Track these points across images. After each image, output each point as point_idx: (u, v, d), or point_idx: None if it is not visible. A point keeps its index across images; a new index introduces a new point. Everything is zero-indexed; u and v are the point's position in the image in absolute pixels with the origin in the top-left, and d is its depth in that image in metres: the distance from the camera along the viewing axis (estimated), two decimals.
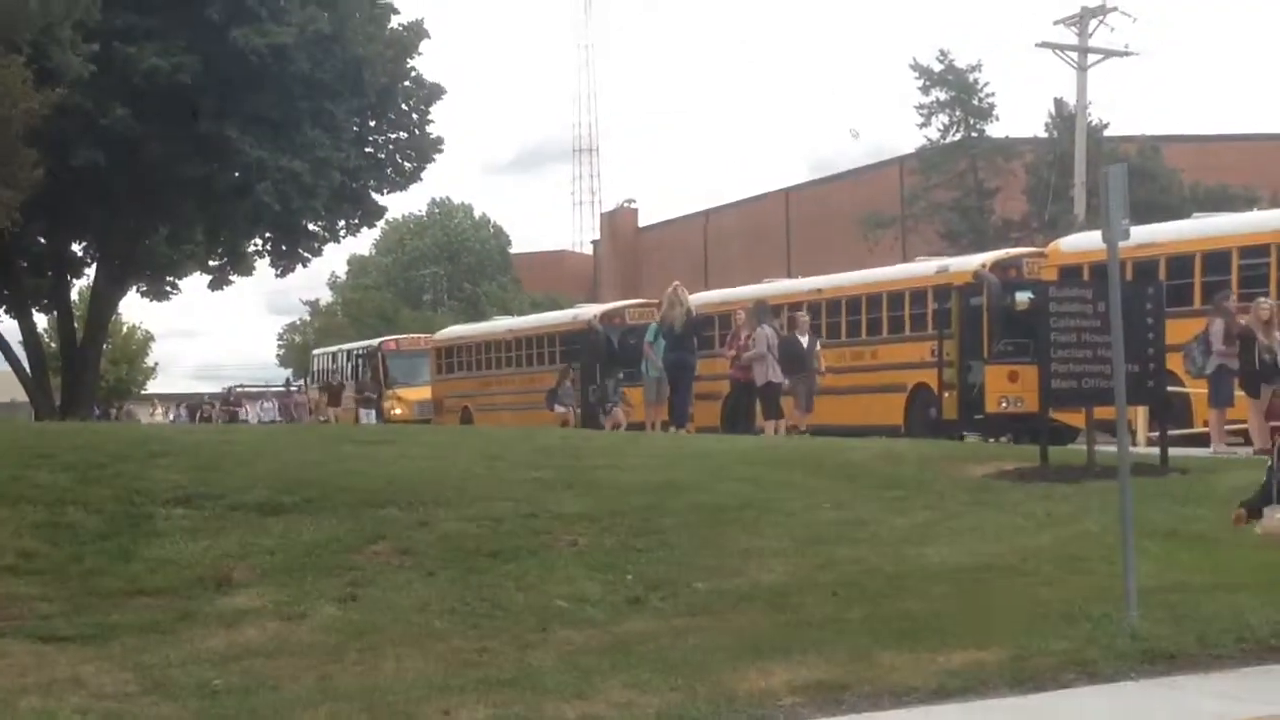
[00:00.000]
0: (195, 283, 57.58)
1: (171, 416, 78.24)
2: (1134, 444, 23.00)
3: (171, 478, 17.70)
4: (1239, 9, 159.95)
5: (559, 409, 40.22)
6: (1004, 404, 31.52)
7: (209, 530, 15.56)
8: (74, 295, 57.48)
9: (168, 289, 56.25)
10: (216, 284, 53.54)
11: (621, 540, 15.34)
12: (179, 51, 38.46)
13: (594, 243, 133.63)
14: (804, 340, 31.03)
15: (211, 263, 52.98)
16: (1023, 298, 30.57)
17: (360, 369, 63.97)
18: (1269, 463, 10.72)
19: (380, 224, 62.68)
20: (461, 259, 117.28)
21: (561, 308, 64.18)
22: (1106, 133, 65.87)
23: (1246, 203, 51.51)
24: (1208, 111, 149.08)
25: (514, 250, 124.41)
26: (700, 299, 41.13)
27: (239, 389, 71.53)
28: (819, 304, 36.67)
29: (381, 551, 14.91)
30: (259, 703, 10.29)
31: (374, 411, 50.60)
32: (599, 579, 13.91)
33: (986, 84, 69.08)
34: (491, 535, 15.49)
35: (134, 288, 54.29)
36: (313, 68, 39.43)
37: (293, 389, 75.80)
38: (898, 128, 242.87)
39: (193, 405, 75.62)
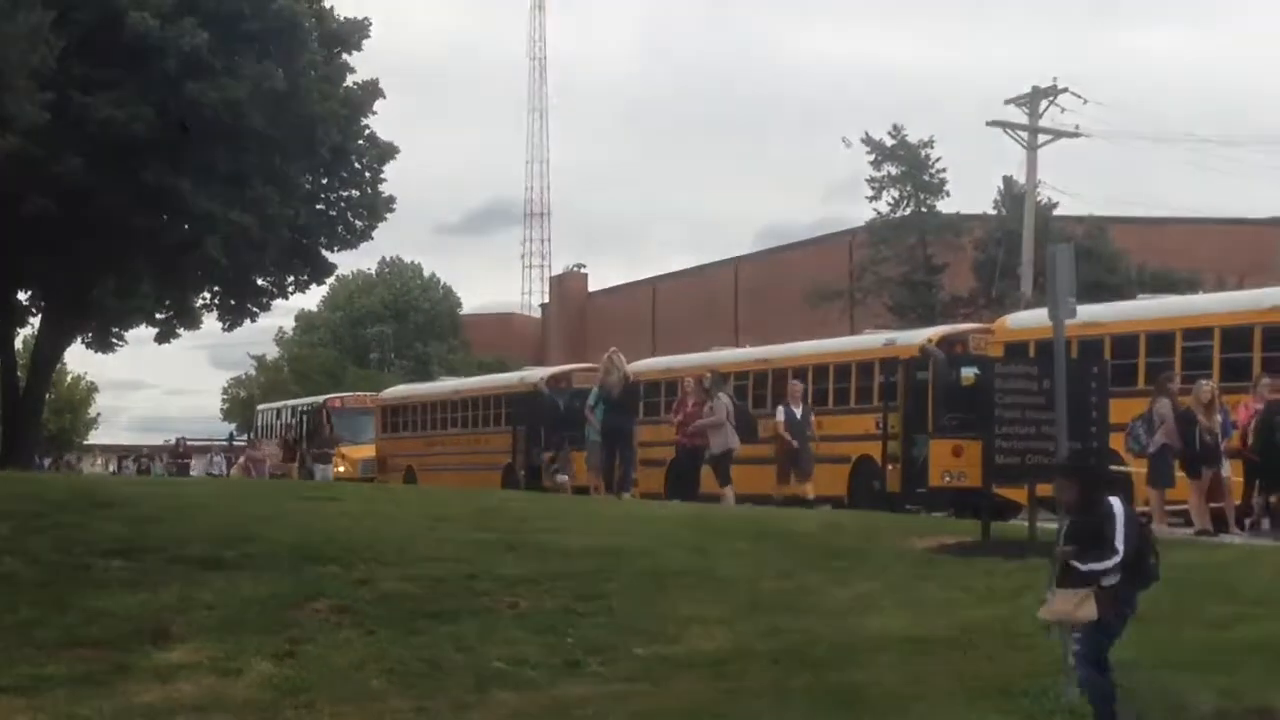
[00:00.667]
0: (141, 335, 57.01)
1: (112, 469, 77.64)
2: None
3: (112, 529, 17.59)
4: (1187, 94, 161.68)
5: (561, 478, 38.06)
6: (947, 478, 31.52)
7: (148, 583, 15.45)
8: (18, 343, 57.03)
9: (113, 340, 55.93)
10: (163, 337, 53.24)
11: (563, 603, 15.29)
12: (134, 102, 38.38)
13: (542, 306, 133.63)
14: (798, 410, 31.48)
15: (158, 315, 52.69)
16: (968, 373, 30.60)
17: (305, 425, 63.72)
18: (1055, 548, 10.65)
19: (329, 281, 62.57)
20: (410, 318, 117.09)
21: (509, 370, 64.12)
22: (1055, 212, 66.28)
23: (1190, 285, 51.92)
24: (1154, 194, 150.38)
25: (463, 311, 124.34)
26: (645, 365, 41.15)
27: (187, 442, 70.89)
28: (765, 374, 36.71)
29: (321, 609, 14.82)
30: None
31: (329, 467, 50.04)
32: (538, 642, 13.85)
33: (938, 160, 69.50)
34: (432, 595, 15.42)
35: (79, 338, 53.96)
36: (266, 124, 39.40)
37: (237, 442, 75.33)
38: (849, 201, 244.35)
39: (133, 457, 75.04)
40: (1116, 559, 10.26)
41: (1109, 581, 10.37)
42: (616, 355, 31.68)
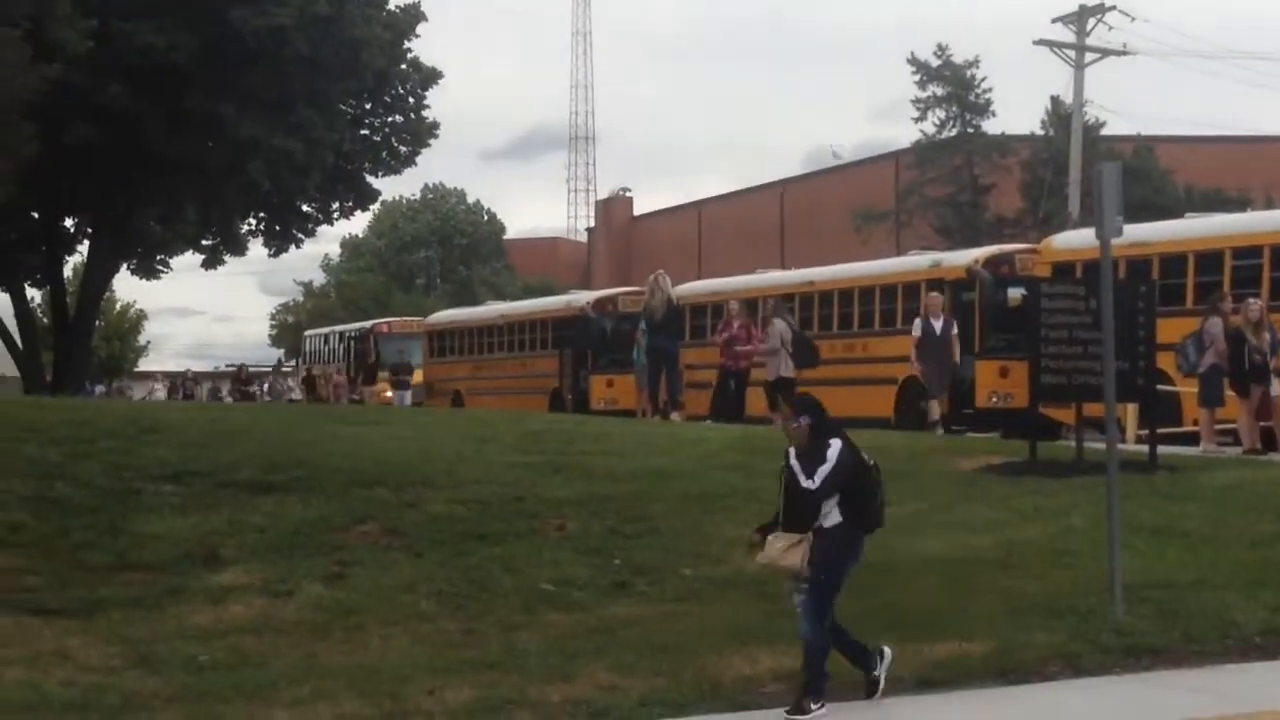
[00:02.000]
0: (188, 261, 57.13)
1: (161, 394, 77.95)
2: (1123, 441, 23.02)
3: (161, 454, 17.72)
4: (1238, 10, 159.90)
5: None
6: (994, 399, 31.48)
7: (198, 507, 15.59)
8: (67, 271, 57.30)
9: (159, 267, 56.16)
10: (209, 263, 53.40)
11: (609, 526, 15.36)
12: (176, 29, 38.36)
13: (588, 230, 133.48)
14: (938, 324, 29.45)
15: (204, 241, 52.85)
16: (1015, 293, 30.53)
17: (353, 351, 63.94)
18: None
19: (374, 207, 62.63)
20: (454, 243, 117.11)
21: (555, 294, 64.11)
22: (1102, 132, 65.86)
23: (1239, 204, 51.56)
24: (1202, 113, 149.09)
25: (508, 237, 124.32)
26: (690, 288, 41.11)
27: (250, 368, 70.82)
28: (811, 296, 36.64)
29: (370, 532, 14.93)
30: (244, 679, 10.32)
31: (407, 393, 49.77)
32: (586, 563, 13.93)
33: (983, 80, 69.16)
34: (479, 518, 15.51)
35: (126, 265, 54.19)
36: (310, 49, 39.34)
37: (285, 368, 75.65)
38: (895, 122, 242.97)
39: (177, 381, 75.11)
40: (811, 487, 10.22)
41: (830, 523, 10.33)
42: (662, 277, 31.64)
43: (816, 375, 31.41)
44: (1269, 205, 51.50)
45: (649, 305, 30.89)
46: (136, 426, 19.61)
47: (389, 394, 49.82)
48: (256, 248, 51.60)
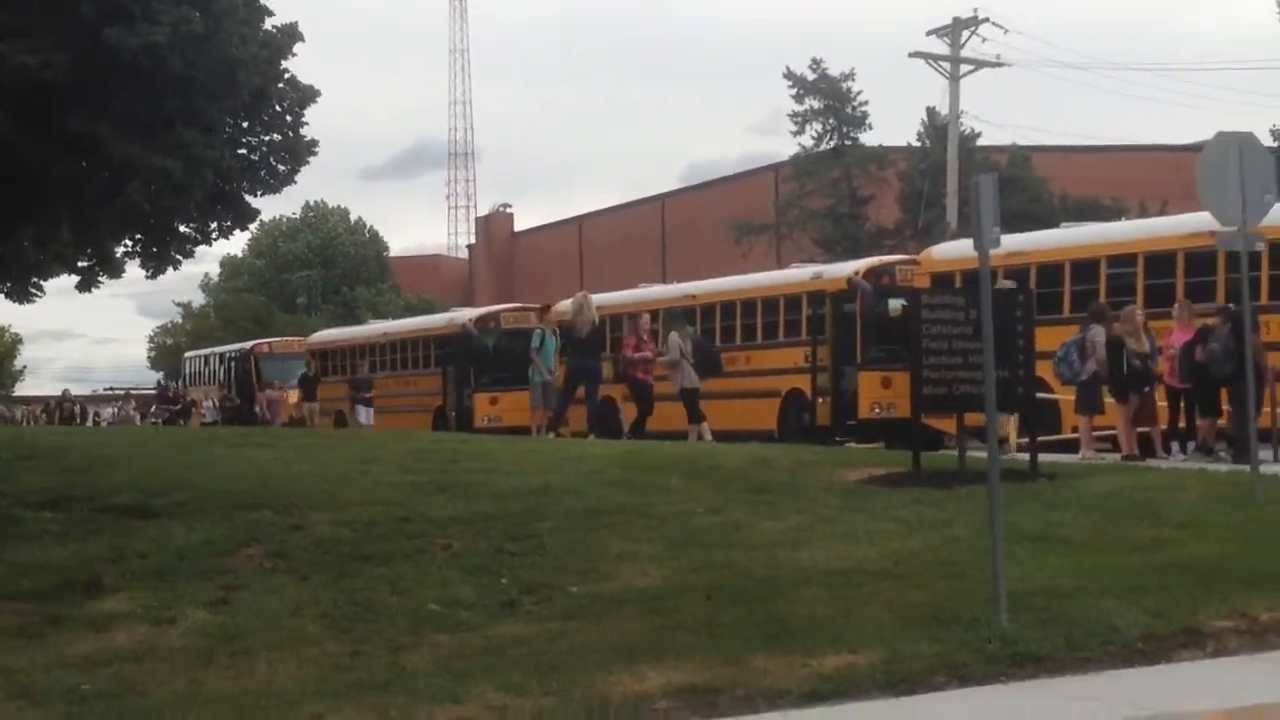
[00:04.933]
0: (64, 284, 56.35)
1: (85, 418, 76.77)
2: (1005, 450, 23.24)
3: (39, 480, 17.49)
4: (1109, 23, 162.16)
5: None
6: (876, 410, 31.75)
7: (78, 533, 15.39)
8: None
9: (33, 290, 55.39)
10: (84, 285, 52.70)
11: (495, 544, 15.30)
12: (50, 49, 37.87)
13: (469, 247, 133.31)
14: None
15: (80, 263, 52.16)
16: (895, 304, 30.82)
17: (232, 372, 63.48)
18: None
19: (253, 227, 62.18)
20: (336, 263, 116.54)
21: (437, 312, 63.95)
22: (979, 142, 66.54)
23: (1115, 213, 52.26)
24: (1076, 123, 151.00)
25: (390, 254, 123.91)
26: (569, 305, 41.27)
27: (107, 390, 70.18)
28: (693, 310, 36.80)
29: (254, 555, 14.80)
30: (128, 708, 10.18)
31: (370, 410, 47.62)
32: (473, 582, 13.86)
33: (859, 93, 69.68)
34: (365, 539, 15.41)
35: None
36: (185, 67, 38.93)
37: (168, 389, 75.02)
38: (773, 135, 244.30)
39: (50, 405, 74.22)
40: None
41: None
42: (587, 297, 31.53)
43: (703, 388, 31.54)
44: (1144, 213, 52.22)
45: (573, 324, 30.73)
46: (12, 452, 19.37)
47: (360, 414, 47.72)
48: (134, 269, 51.02)
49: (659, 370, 30.81)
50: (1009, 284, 26.50)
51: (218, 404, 60.74)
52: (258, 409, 55.71)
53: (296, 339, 64.39)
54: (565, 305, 33.70)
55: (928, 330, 19.01)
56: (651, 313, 35.89)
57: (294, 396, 54.78)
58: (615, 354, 33.71)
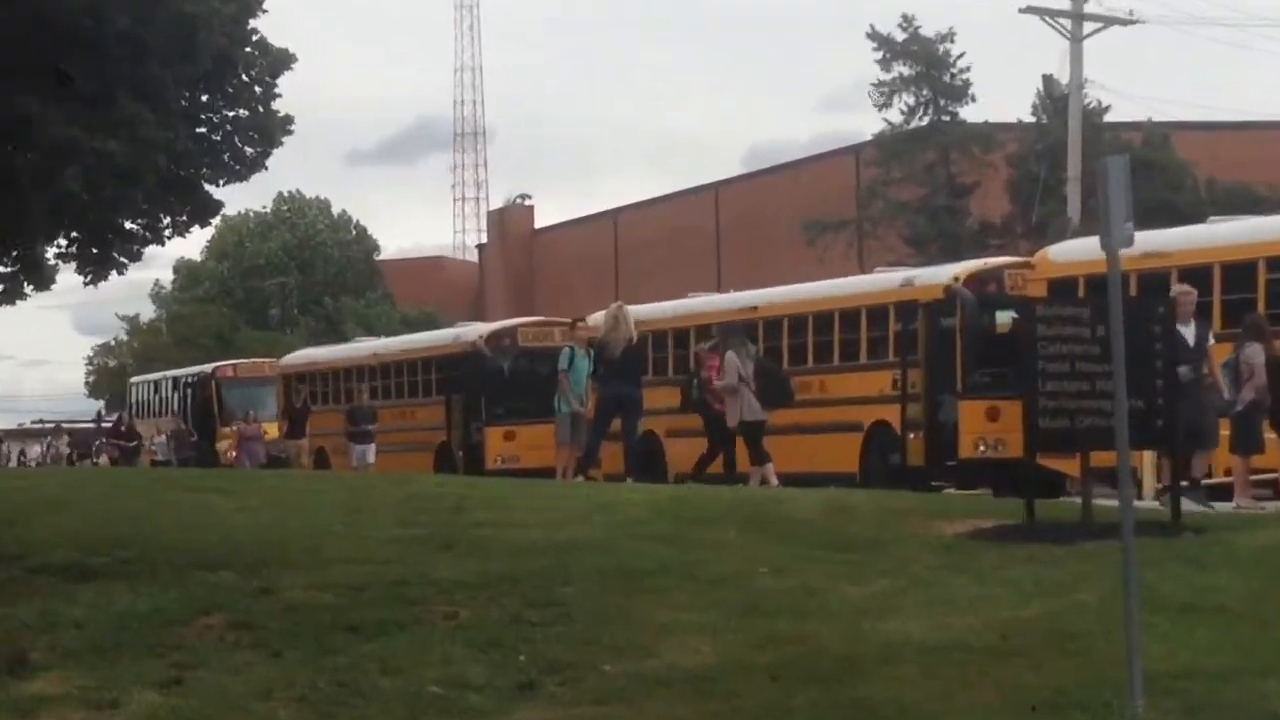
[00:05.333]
0: None
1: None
2: (1139, 497, 23.13)
3: None
4: None
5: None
6: (981, 447, 31.68)
7: (3, 598, 15.44)
8: None
9: None
10: (7, 297, 52.95)
11: (511, 612, 15.30)
12: None
13: (479, 247, 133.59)
14: (1189, 332, 24.05)
15: (1, 269, 52.42)
16: (1004, 318, 30.74)
17: (188, 400, 63.72)
18: None
19: (215, 222, 62.36)
20: (316, 267, 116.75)
21: (440, 327, 64.10)
22: (1106, 117, 66.38)
23: (1273, 204, 52.00)
24: (1226, 94, 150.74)
25: (382, 257, 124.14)
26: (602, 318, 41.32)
27: (35, 423, 70.49)
28: (754, 324, 36.79)
29: (214, 625, 14.81)
30: None
31: (370, 448, 46.81)
32: (483, 660, 13.86)
33: (960, 57, 69.62)
34: (351, 606, 15.42)
35: None
36: (134, 26, 39.07)
37: (104, 422, 75.30)
38: (853, 110, 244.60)
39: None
40: None
41: None
42: (624, 309, 31.50)
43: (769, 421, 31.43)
44: None
45: (607, 341, 30.67)
46: None
47: (357, 453, 46.85)
48: (68, 275, 51.19)
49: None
50: (1184, 290, 25.29)
51: (171, 440, 60.95)
52: (220, 446, 55.89)
53: (267, 360, 64.59)
54: (598, 319, 33.71)
55: (1045, 349, 18.95)
56: (702, 328, 35.88)
57: (271, 430, 54.86)
58: (688, 374, 33.74)
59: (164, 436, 62.19)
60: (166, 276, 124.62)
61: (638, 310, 39.25)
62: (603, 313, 32.82)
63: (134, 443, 62.70)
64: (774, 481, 29.39)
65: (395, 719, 12.39)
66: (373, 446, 46.09)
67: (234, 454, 54.81)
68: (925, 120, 69.93)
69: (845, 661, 13.49)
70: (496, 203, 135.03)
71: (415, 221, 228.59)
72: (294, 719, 12.45)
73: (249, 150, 50.08)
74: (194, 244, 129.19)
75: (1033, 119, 68.54)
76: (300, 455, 49.74)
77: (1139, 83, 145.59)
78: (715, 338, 33.16)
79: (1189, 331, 24.11)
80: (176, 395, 67.60)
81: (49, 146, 41.41)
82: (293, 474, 40.36)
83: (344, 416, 47.58)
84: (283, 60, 49.05)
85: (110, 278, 51.41)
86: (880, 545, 18.49)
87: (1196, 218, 38.67)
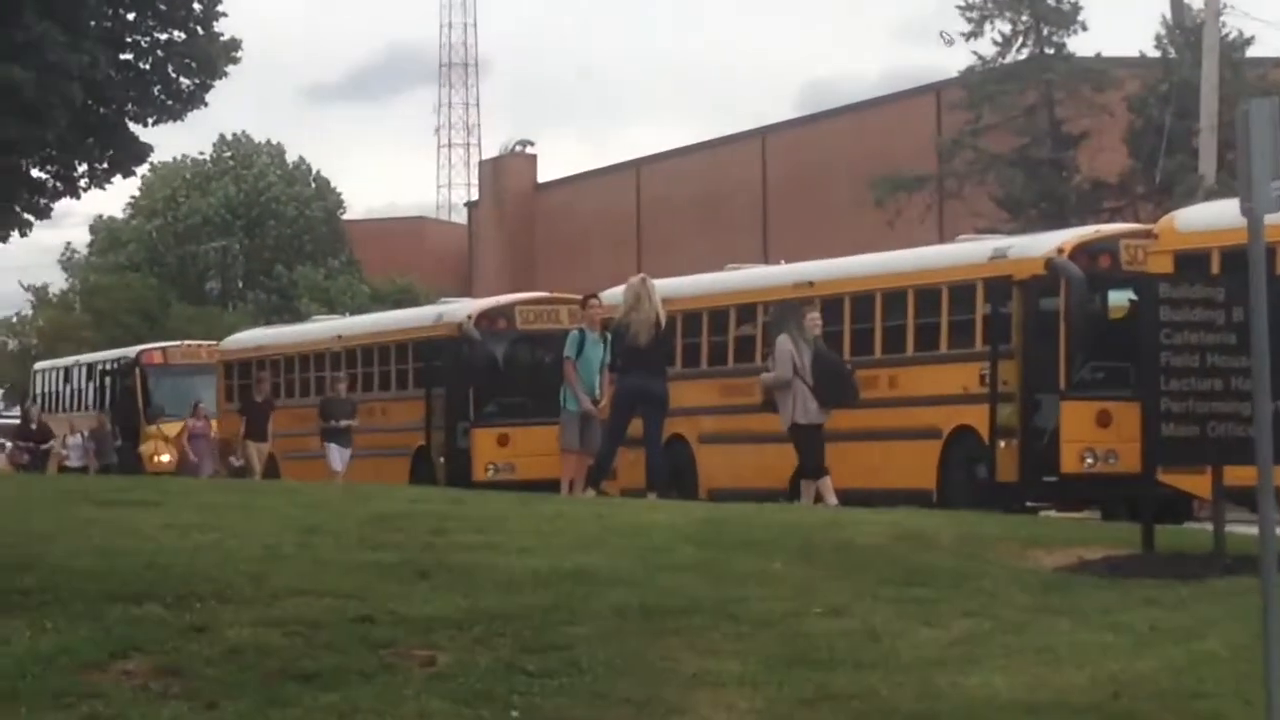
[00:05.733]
0: None
1: None
2: None
3: None
4: None
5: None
6: (1089, 460, 31.67)
7: None
8: None
9: None
10: None
11: (504, 658, 15.32)
12: None
13: (469, 206, 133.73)
14: None
15: None
16: (1120, 299, 30.74)
17: (107, 391, 63.79)
18: None
19: (142, 171, 62.47)
20: (267, 228, 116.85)
21: (419, 303, 64.19)
22: (1248, 52, 66.32)
23: None
24: None
25: (348, 217, 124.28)
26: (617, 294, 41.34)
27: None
28: (811, 304, 36.78)
29: (136, 670, 14.84)
30: None
31: (347, 450, 46.41)
32: (469, 717, 13.89)
33: None
34: (304, 648, 15.45)
35: None
36: None
37: (4, 418, 75.44)
38: (934, 42, 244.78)
39: None
40: None
41: None
42: (647, 284, 31.28)
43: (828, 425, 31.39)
44: None
45: (627, 323, 30.50)
46: None
47: (334, 455, 46.59)
48: None
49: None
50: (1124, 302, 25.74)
51: (90, 441, 60.96)
52: (145, 449, 55.95)
53: (205, 344, 64.70)
54: (615, 295, 33.70)
55: (1169, 339, 18.95)
56: (744, 307, 35.88)
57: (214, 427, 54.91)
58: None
59: (79, 436, 62.23)
60: (81, 238, 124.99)
61: (664, 285, 39.35)
62: (622, 288, 32.75)
63: (46, 444, 62.80)
64: (832, 500, 29.38)
65: None
66: (348, 450, 46.19)
67: (165, 457, 54.82)
68: (1024, 53, 69.91)
69: None
70: (490, 151, 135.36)
71: (390, 174, 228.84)
72: None
73: (184, 82, 50.16)
74: (116, 198, 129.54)
75: (1157, 53, 68.47)
76: (258, 460, 49.50)
77: None
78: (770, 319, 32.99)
79: None
80: (91, 385, 67.67)
81: None
82: (238, 483, 40.41)
83: (316, 411, 47.40)
84: None
85: (11, 239, 51.63)
86: (962, 580, 18.51)
87: None
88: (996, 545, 20.59)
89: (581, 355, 31.10)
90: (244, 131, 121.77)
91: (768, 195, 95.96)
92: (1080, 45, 69.96)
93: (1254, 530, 15.05)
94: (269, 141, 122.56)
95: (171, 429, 57.76)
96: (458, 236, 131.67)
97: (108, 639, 15.38)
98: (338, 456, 45.76)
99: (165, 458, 55.82)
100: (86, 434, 61.67)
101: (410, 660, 15.27)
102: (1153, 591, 17.76)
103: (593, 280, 49.91)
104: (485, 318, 44.74)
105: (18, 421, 68.14)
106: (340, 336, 51.96)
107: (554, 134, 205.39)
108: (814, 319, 31.31)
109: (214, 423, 55.28)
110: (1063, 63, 69.60)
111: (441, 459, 43.93)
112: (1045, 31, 69.55)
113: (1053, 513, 30.95)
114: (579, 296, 38.27)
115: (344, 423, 46.29)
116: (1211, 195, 46.38)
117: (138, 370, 63.07)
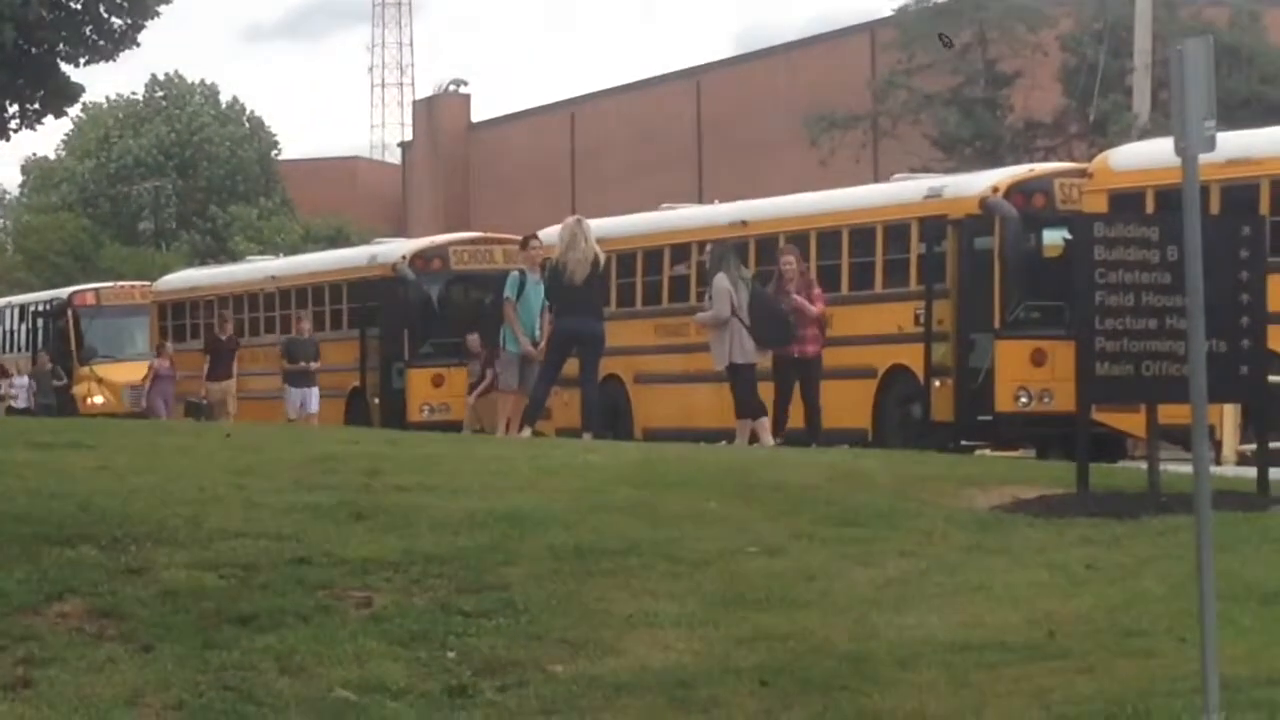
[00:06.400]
0: None
1: None
2: (1218, 461, 23.19)
3: None
4: None
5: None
6: (1024, 399, 31.74)
7: None
8: None
9: None
10: None
11: (440, 599, 15.31)
12: None
13: (402, 146, 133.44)
14: None
15: None
16: (1054, 238, 30.78)
17: (39, 333, 63.56)
18: None
19: (74, 112, 62.15)
20: (199, 168, 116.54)
21: (352, 243, 64.04)
22: None
23: None
24: None
25: (283, 157, 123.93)
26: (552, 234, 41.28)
27: None
28: (743, 244, 36.76)
29: (71, 613, 14.80)
30: None
31: (313, 391, 45.95)
32: (404, 658, 13.87)
33: None
34: (240, 590, 15.42)
35: None
36: None
37: None
38: None
39: None
40: None
41: None
42: (582, 224, 31.23)
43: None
44: None
45: (563, 264, 30.43)
46: None
47: (291, 399, 46.01)
48: None
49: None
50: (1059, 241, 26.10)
51: (32, 381, 60.56)
52: (78, 390, 55.64)
53: (138, 284, 64.45)
54: (551, 235, 33.66)
55: (1103, 278, 18.96)
56: (679, 247, 35.86)
57: (139, 372, 54.52)
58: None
59: (26, 378, 61.90)
60: (13, 178, 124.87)
61: (599, 225, 39.26)
62: (557, 228, 32.71)
63: None
64: (768, 440, 29.39)
65: None
66: (315, 390, 45.59)
67: (98, 399, 54.57)
68: None
69: (852, 663, 13.53)
70: (424, 91, 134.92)
71: (323, 114, 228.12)
72: None
73: (116, 21, 49.86)
74: (48, 138, 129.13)
75: None
76: (227, 402, 48.98)
77: None
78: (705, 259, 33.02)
79: None
80: (24, 327, 67.33)
81: None
82: (172, 423, 40.31)
83: (280, 352, 46.76)
84: None
85: None
86: (897, 519, 18.52)
87: None
88: (932, 485, 20.60)
89: (522, 297, 31.04)
90: (177, 72, 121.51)
91: (702, 135, 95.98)
92: None
93: (1187, 469, 15.10)
94: (203, 82, 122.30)
95: (107, 371, 57.52)
96: (392, 177, 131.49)
97: (43, 582, 15.34)
98: (297, 400, 45.37)
99: (99, 399, 55.60)
100: (30, 375, 61.41)
101: (347, 601, 15.26)
102: (1087, 530, 17.78)
103: (528, 220, 49.86)
104: (420, 258, 44.68)
105: None
106: (274, 277, 51.87)
107: (488, 74, 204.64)
108: (788, 262, 31.38)
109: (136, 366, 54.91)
110: (996, 1, 69.61)
111: (376, 400, 43.89)
112: None
113: (988, 452, 31.01)
114: (514, 237, 38.26)
115: (312, 365, 45.63)
116: (1145, 134, 46.50)
117: (70, 311, 62.79)
